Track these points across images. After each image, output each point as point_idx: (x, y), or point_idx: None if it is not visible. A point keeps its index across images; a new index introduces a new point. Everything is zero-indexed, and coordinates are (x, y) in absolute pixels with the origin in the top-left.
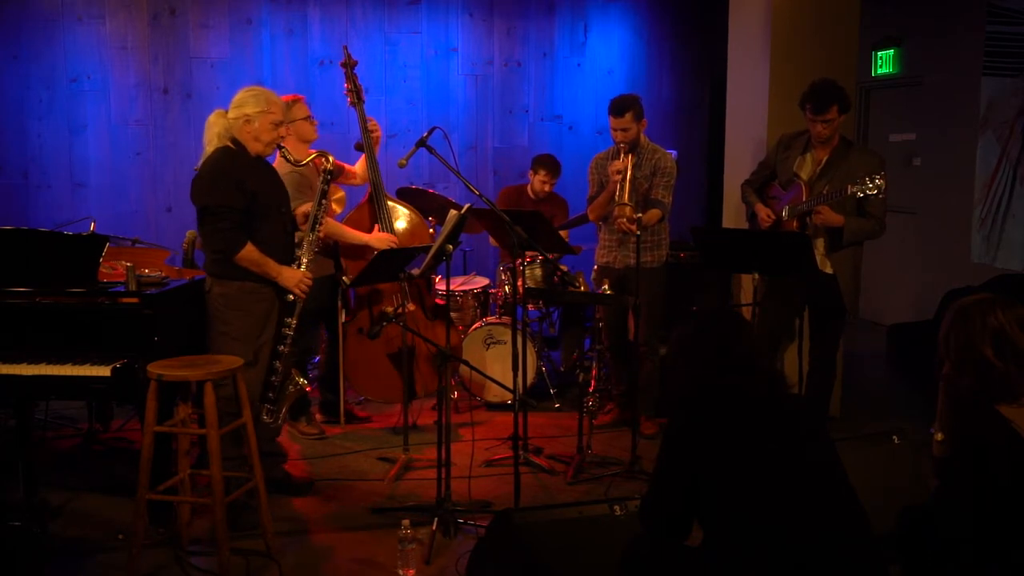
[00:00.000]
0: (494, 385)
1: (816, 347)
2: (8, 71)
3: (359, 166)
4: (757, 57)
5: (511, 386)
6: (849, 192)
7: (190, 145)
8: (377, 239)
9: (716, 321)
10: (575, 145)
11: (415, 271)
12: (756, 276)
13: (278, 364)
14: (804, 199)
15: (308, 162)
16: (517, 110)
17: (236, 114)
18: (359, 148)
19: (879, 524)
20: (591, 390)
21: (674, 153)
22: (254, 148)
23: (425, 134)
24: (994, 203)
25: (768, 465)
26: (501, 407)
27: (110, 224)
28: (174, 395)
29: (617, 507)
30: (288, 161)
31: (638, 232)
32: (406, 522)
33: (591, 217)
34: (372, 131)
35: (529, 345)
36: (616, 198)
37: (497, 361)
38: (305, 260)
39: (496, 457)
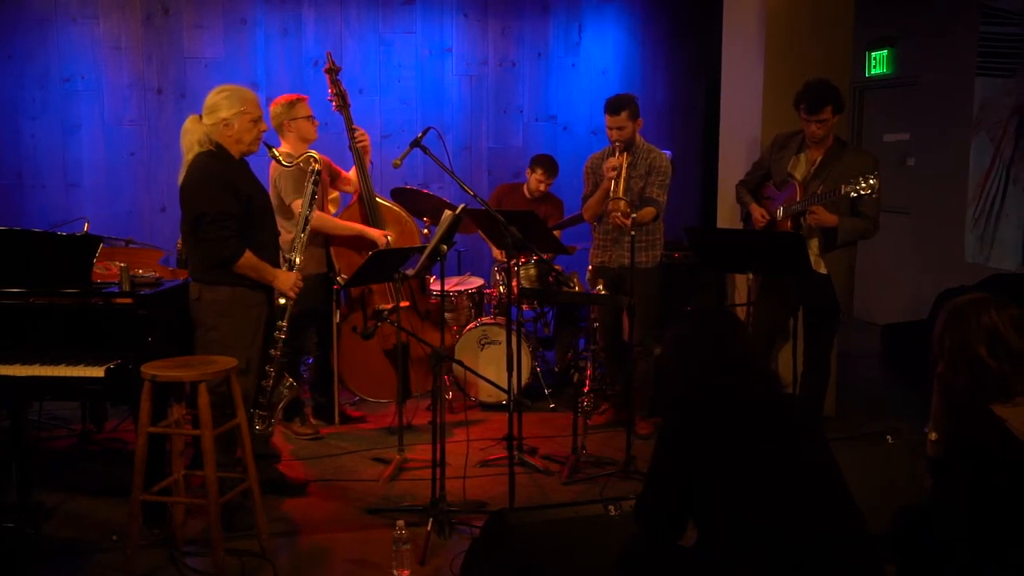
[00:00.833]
0: (489, 385)
1: (810, 347)
2: (1, 71)
3: (353, 173)
4: (751, 57)
5: (506, 386)
6: (843, 192)
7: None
8: (370, 230)
9: (711, 321)
10: (569, 145)
11: (409, 271)
12: (750, 276)
13: (270, 368)
14: (798, 199)
15: (297, 162)
16: (512, 110)
17: (212, 120)
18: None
19: (874, 524)
20: (586, 390)
21: (669, 153)
22: (237, 150)
23: (419, 134)
24: (987, 203)
25: (763, 465)
26: (496, 407)
27: (104, 224)
28: (168, 396)
29: (612, 507)
30: (278, 162)
31: (631, 226)
32: (401, 522)
33: (586, 216)
34: (360, 140)
35: (524, 345)
36: (611, 193)
37: (492, 361)
38: (297, 261)
39: (491, 457)
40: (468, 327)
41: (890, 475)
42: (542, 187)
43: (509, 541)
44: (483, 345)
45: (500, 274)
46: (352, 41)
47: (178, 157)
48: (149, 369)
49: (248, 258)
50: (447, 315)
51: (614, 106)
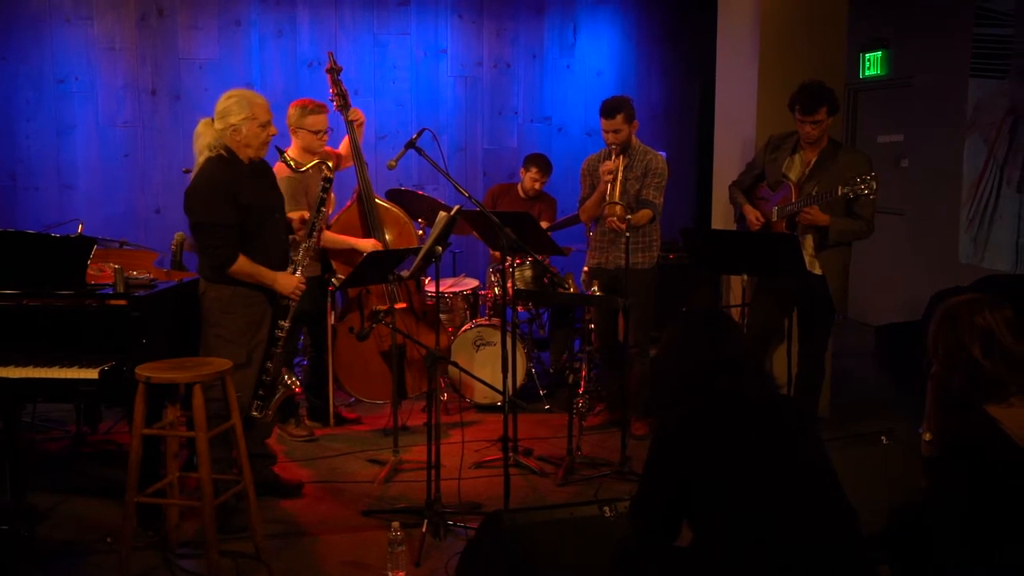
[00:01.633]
0: (484, 386)
1: (805, 347)
2: None
3: (343, 147)
4: (746, 59)
5: (501, 387)
6: (840, 193)
7: (178, 146)
8: (363, 243)
9: (706, 322)
10: (564, 147)
11: (405, 273)
12: (745, 277)
13: (270, 364)
14: (793, 200)
15: (308, 169)
16: (506, 112)
17: (222, 125)
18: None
19: (869, 524)
20: (581, 391)
21: (663, 154)
22: (245, 154)
23: (414, 136)
24: (981, 204)
25: (758, 465)
26: (491, 408)
27: (98, 226)
28: (163, 397)
29: (607, 508)
30: (290, 168)
31: (626, 229)
32: (396, 524)
33: (583, 218)
34: (355, 119)
35: (519, 346)
36: (607, 198)
37: (487, 363)
38: (301, 265)
39: (486, 458)
40: (463, 328)
41: (884, 475)
42: (536, 186)
43: (504, 542)
44: (478, 346)
45: (495, 275)
46: (347, 42)
47: (173, 158)
48: (144, 371)
49: (242, 264)
50: (442, 316)
51: (609, 109)
